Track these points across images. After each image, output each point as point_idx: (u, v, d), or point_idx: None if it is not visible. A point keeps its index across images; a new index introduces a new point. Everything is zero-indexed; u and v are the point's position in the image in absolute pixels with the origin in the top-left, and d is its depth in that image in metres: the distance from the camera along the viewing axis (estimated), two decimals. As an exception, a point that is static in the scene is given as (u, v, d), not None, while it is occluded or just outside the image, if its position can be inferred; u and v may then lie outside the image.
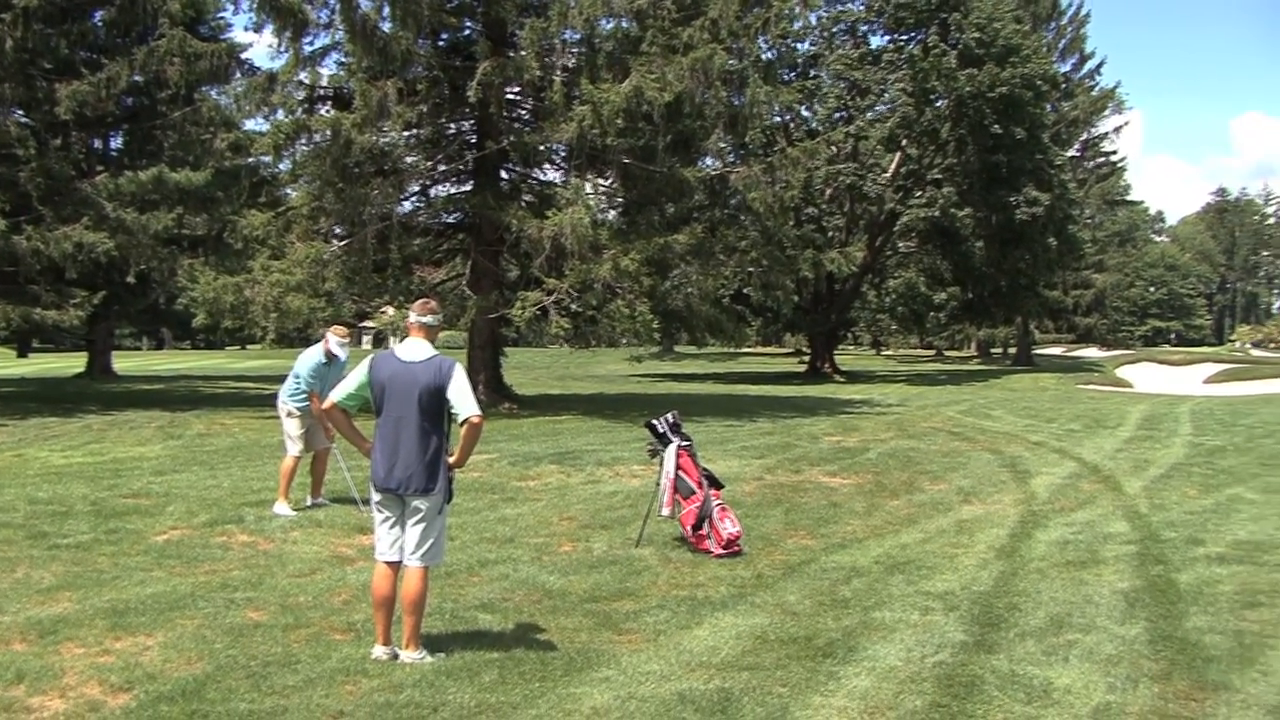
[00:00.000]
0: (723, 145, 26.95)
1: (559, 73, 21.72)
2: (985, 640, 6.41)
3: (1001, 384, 43.14)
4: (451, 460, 6.06)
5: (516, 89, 23.18)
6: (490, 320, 22.25)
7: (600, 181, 24.64)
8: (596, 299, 21.80)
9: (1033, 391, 38.15)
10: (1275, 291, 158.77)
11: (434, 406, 5.95)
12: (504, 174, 24.46)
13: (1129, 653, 6.16)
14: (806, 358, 53.36)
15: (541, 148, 23.13)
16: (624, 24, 23.01)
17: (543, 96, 21.99)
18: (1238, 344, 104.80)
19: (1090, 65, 67.07)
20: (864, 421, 21.39)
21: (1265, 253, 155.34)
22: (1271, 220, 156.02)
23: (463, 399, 5.93)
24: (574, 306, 22.06)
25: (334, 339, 10.47)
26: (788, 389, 37.00)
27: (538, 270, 21.28)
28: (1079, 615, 6.97)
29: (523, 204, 23.22)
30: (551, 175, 25.36)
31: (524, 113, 24.38)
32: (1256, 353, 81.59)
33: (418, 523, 5.98)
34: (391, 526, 6.06)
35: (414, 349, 6.08)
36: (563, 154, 23.44)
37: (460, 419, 5.93)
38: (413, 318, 6.25)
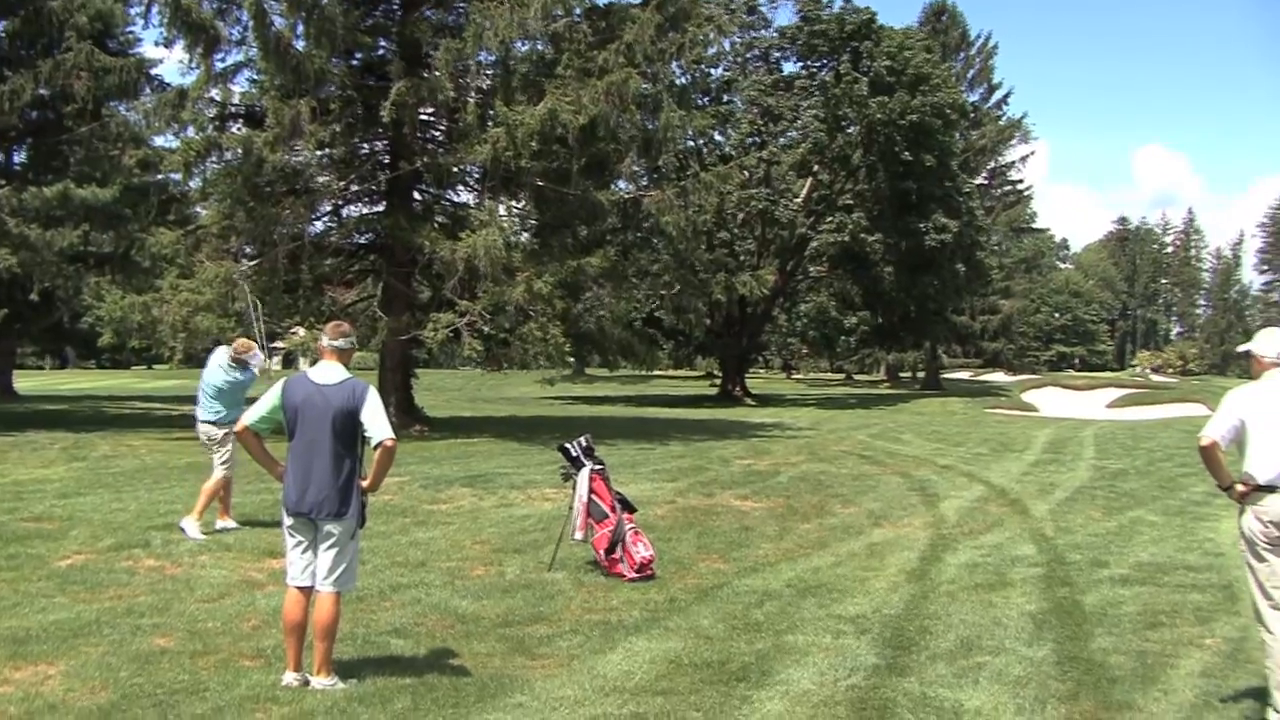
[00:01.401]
0: (636, 169, 27.16)
1: (474, 94, 21.82)
2: (897, 663, 6.53)
3: (911, 408, 43.75)
4: (365, 484, 6.03)
5: (431, 110, 23.14)
6: (402, 342, 22.13)
7: (514, 204, 24.69)
8: (509, 321, 21.81)
9: (941, 415, 38.82)
10: (1173, 318, 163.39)
11: (347, 430, 5.92)
12: (417, 195, 24.37)
13: (1037, 674, 6.31)
14: (718, 381, 53.68)
15: (455, 169, 23.07)
16: (539, 46, 23.11)
17: (457, 118, 22.02)
18: (1138, 369, 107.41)
19: (998, 95, 68.80)
20: (775, 445, 21.65)
21: (1164, 280, 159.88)
22: (1170, 249, 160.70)
23: (376, 422, 5.92)
24: (486, 329, 22.02)
25: (241, 354, 10.51)
26: (699, 412, 37.20)
27: (450, 292, 21.23)
28: (988, 637, 7.12)
29: (436, 225, 23.17)
30: (465, 197, 25.31)
31: (438, 134, 24.33)
32: (1156, 378, 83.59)
33: (330, 547, 5.92)
34: (304, 551, 5.99)
35: (327, 372, 6.04)
36: (476, 176, 23.40)
37: (374, 442, 5.91)
38: (325, 341, 6.22)
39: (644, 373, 55.02)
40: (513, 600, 7.96)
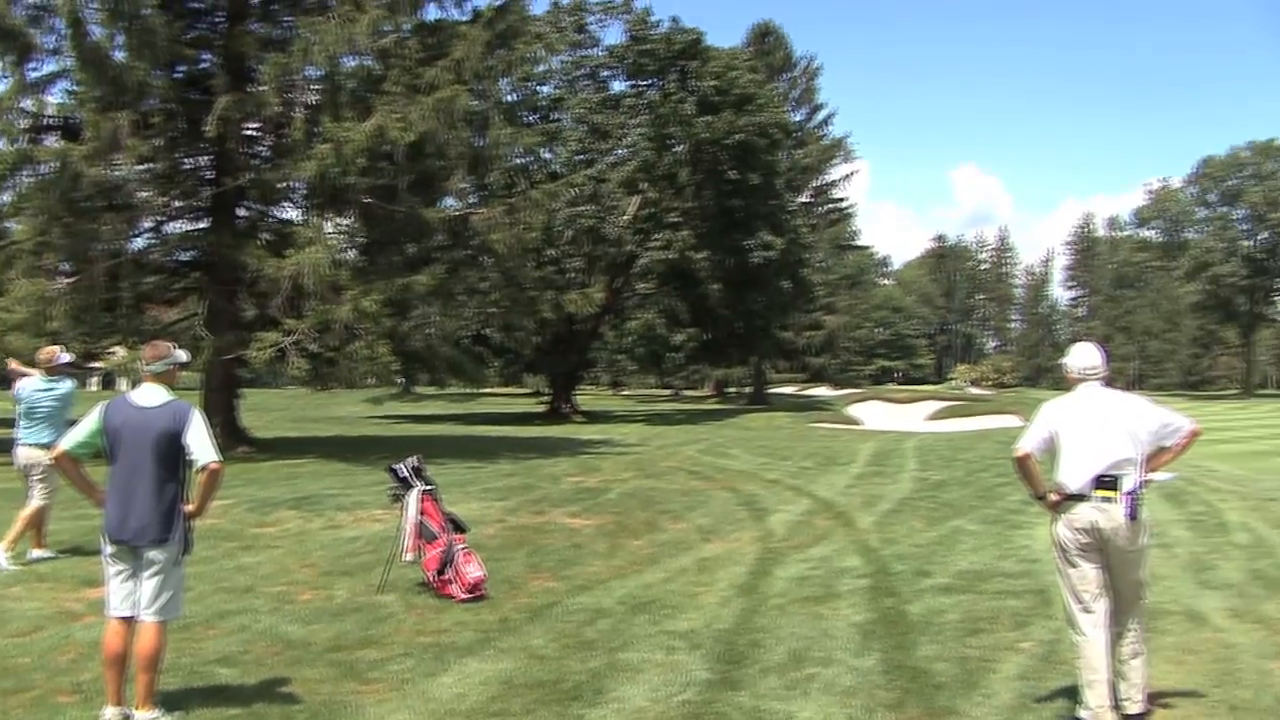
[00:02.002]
0: (464, 186, 27.23)
1: (300, 109, 21.52)
2: (729, 677, 6.67)
3: (738, 423, 44.51)
4: (189, 509, 5.88)
5: (256, 125, 22.83)
6: (226, 361, 21.75)
7: (340, 221, 24.47)
8: (336, 340, 21.57)
9: (768, 430, 39.59)
10: (989, 333, 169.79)
11: (170, 453, 5.78)
12: (242, 211, 23.92)
13: (865, 684, 6.54)
14: (547, 398, 53.81)
15: (281, 185, 22.81)
16: (367, 62, 23.03)
17: (283, 133, 21.81)
18: (956, 382, 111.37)
19: (821, 116, 70.73)
20: (604, 461, 21.75)
21: (980, 296, 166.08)
22: (985, 266, 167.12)
23: (201, 445, 5.79)
24: (313, 347, 21.77)
25: (48, 362, 10.28)
26: (528, 430, 37.30)
27: (276, 311, 20.98)
28: (818, 649, 7.32)
29: (261, 242, 22.80)
30: (291, 214, 24.99)
31: (264, 149, 23.96)
32: (973, 390, 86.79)
33: (154, 575, 5.75)
34: (125, 580, 5.79)
35: (148, 394, 5.92)
36: (303, 192, 23.17)
37: (198, 466, 5.78)
38: (144, 367, 6.08)
39: (472, 391, 54.80)
40: (342, 624, 7.90)
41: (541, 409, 51.59)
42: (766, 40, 65.42)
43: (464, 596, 8.71)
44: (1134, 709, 5.82)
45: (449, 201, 26.63)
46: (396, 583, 9.12)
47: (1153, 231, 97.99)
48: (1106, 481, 5.78)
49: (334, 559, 10.44)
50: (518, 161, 38.41)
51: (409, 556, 9.08)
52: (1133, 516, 5.74)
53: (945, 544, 11.64)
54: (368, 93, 22.11)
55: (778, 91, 58.14)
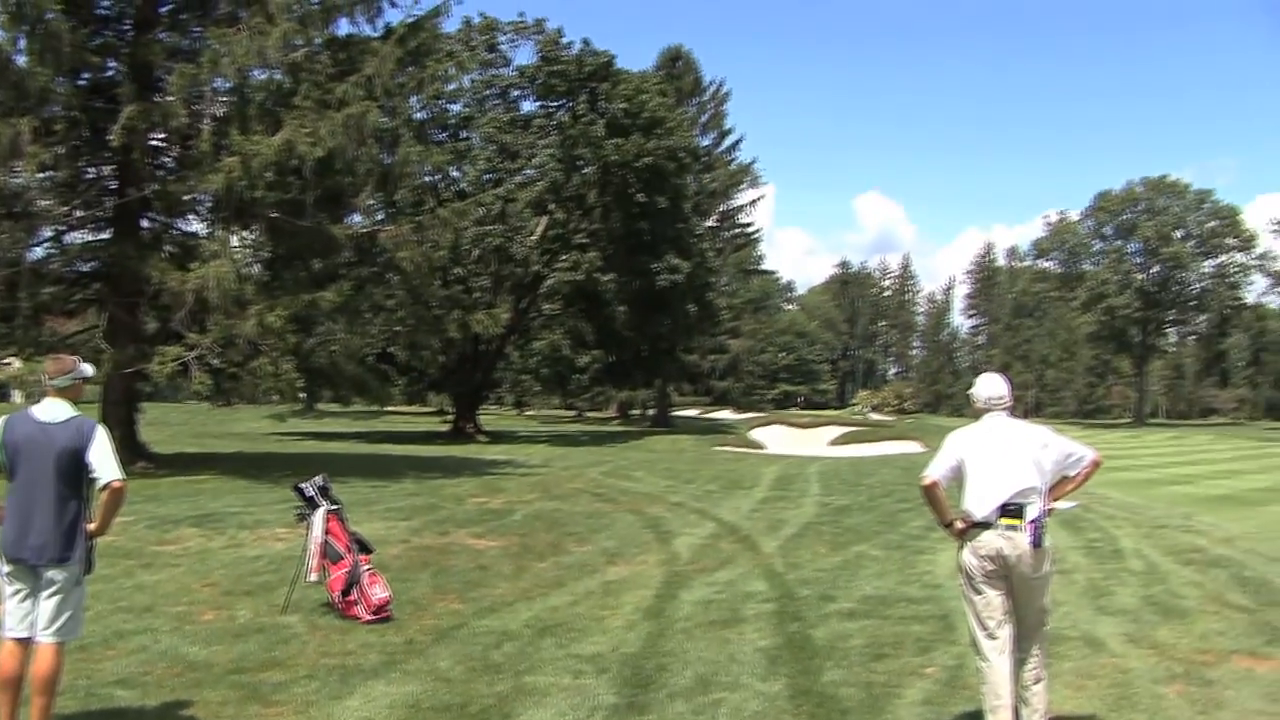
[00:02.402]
0: (372, 203, 27.18)
1: (208, 121, 21.32)
2: (636, 702, 6.71)
3: (642, 445, 44.61)
4: (91, 528, 5.77)
5: (162, 136, 22.50)
6: (126, 375, 21.40)
7: (246, 235, 24.24)
8: (240, 355, 21.38)
9: (672, 453, 39.79)
10: (890, 359, 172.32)
11: (73, 471, 5.66)
12: (145, 223, 23.52)
13: (771, 709, 6.61)
14: (450, 418, 53.55)
15: (186, 198, 22.51)
16: (277, 76, 22.88)
17: (190, 145, 21.55)
18: (858, 407, 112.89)
19: (729, 140, 71.50)
20: (508, 482, 21.77)
21: (882, 323, 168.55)
22: (887, 293, 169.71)
23: (104, 463, 5.68)
24: (216, 363, 21.55)
25: None
26: (432, 449, 37.08)
27: (179, 324, 20.73)
28: (724, 674, 7.34)
29: (165, 255, 22.48)
30: (196, 226, 24.70)
31: (169, 160, 23.64)
32: (875, 416, 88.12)
33: (53, 595, 5.61)
34: (22, 600, 5.62)
35: (52, 409, 5.78)
36: (209, 205, 22.92)
37: (101, 484, 5.68)
38: (47, 381, 5.94)
39: (375, 409, 54.27)
40: (245, 645, 7.80)
41: (445, 428, 51.23)
42: (676, 64, 65.92)
43: (369, 618, 8.67)
44: None
45: (355, 218, 26.50)
46: (300, 603, 9.06)
47: (1051, 262, 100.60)
48: (1011, 510, 5.88)
49: (236, 578, 10.32)
50: (426, 179, 38.54)
51: (313, 577, 9.00)
52: (1037, 544, 5.85)
53: (849, 569, 11.77)
54: (277, 106, 21.97)
55: (687, 116, 58.76)
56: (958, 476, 6.15)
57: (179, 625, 8.37)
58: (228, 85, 22.05)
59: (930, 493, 6.19)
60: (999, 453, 6.04)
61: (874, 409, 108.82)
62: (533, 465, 28.25)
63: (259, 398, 24.06)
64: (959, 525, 6.11)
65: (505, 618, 9.02)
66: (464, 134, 47.42)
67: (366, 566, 9.03)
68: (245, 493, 18.52)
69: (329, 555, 9.07)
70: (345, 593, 8.85)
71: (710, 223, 66.44)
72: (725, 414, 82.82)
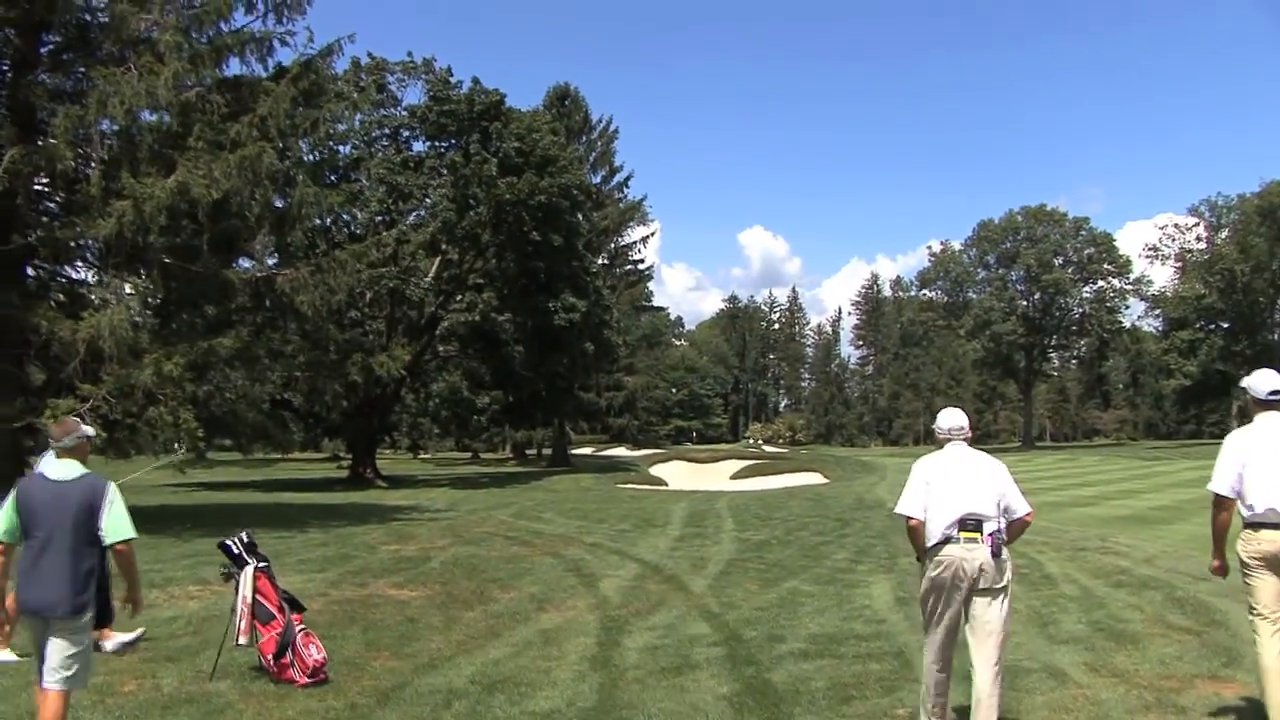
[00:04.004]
0: (265, 246, 26.57)
1: (96, 164, 20.60)
2: None
3: (544, 485, 44.26)
4: (127, 603, 6.35)
5: (47, 179, 21.68)
6: (14, 430, 20.45)
7: (138, 281, 23.44)
8: (136, 405, 20.57)
9: (575, 492, 39.48)
10: (781, 391, 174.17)
11: (86, 526, 5.97)
12: (31, 271, 22.66)
13: None
14: (347, 463, 52.52)
15: (74, 244, 21.73)
16: (167, 117, 22.19)
17: (77, 189, 20.80)
18: (751, 440, 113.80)
19: (619, 178, 71.60)
20: (418, 528, 21.45)
21: (771, 356, 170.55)
22: (776, 326, 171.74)
23: (114, 523, 6.02)
24: (111, 414, 20.70)
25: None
26: (333, 496, 36.30)
27: (71, 375, 19.90)
28: None
29: (53, 304, 21.71)
30: (84, 274, 23.81)
31: (55, 205, 22.82)
32: (768, 448, 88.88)
33: (61, 645, 5.91)
34: (36, 649, 6.02)
35: (63, 469, 6.10)
36: (98, 250, 22.08)
37: (108, 542, 6.00)
38: (54, 443, 6.29)
39: (267, 456, 52.98)
40: (175, 718, 7.40)
41: (342, 474, 50.23)
42: (565, 103, 66.00)
43: (305, 681, 8.26)
44: None
45: (246, 262, 25.85)
46: (229, 668, 8.59)
47: (936, 292, 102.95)
48: (970, 524, 6.40)
49: (154, 643, 9.76)
50: (319, 222, 37.88)
51: (243, 639, 8.55)
52: (996, 554, 6.37)
53: (787, 606, 11.71)
54: (169, 148, 21.31)
55: (577, 154, 58.65)
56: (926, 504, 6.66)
57: (100, 699, 7.80)
58: (116, 127, 21.25)
59: (913, 533, 6.72)
60: (959, 475, 6.61)
61: (766, 441, 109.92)
62: (438, 510, 27.85)
63: (158, 449, 23.19)
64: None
65: (448, 674, 8.67)
66: (354, 175, 46.76)
67: (300, 626, 8.61)
68: (149, 549, 17.70)
69: (259, 616, 8.62)
70: (278, 655, 8.42)
71: (602, 260, 66.41)
72: (621, 451, 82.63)
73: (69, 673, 5.95)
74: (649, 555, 16.69)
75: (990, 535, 6.39)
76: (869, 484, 39.22)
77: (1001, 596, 6.45)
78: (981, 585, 6.39)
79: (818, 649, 9.42)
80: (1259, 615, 6.53)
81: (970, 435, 6.93)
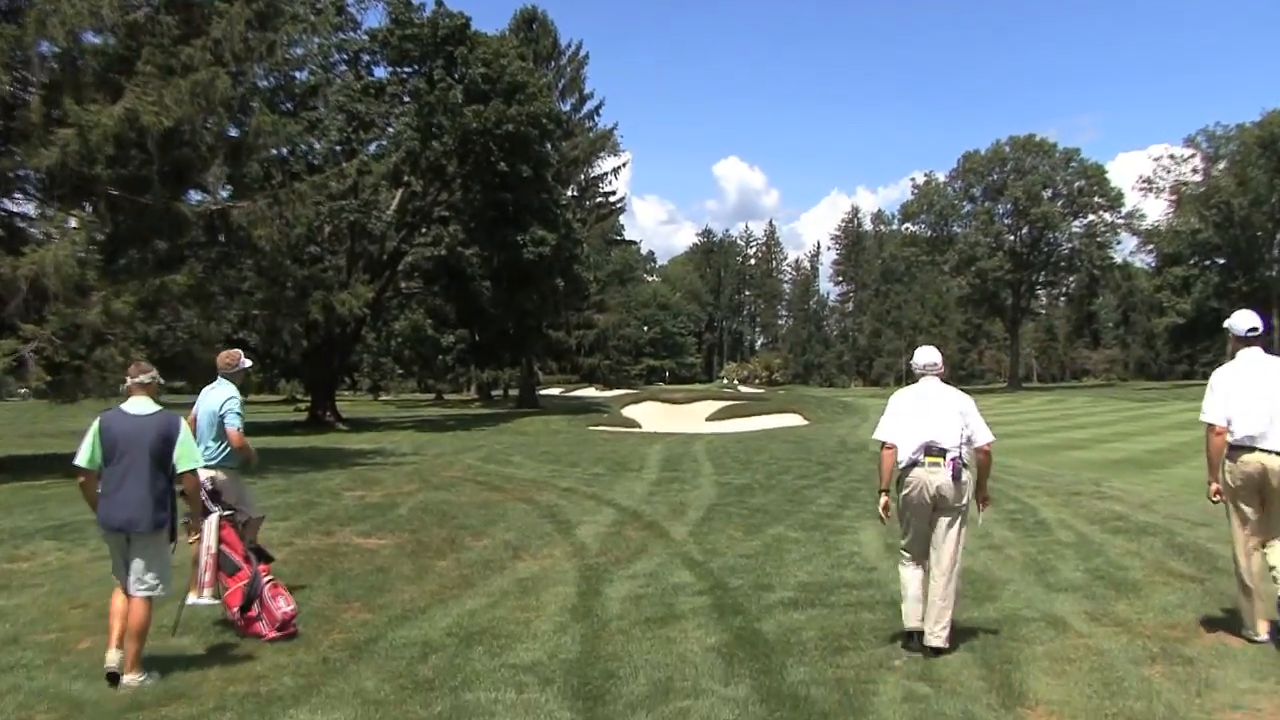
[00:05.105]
0: (220, 177, 26.11)
1: (36, 90, 20.10)
2: (595, 716, 6.30)
3: (512, 428, 44.20)
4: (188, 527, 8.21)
5: (-18, 107, 21.18)
6: (-46, 371, 20.13)
7: (83, 214, 23.00)
8: (84, 346, 20.23)
9: (545, 435, 39.53)
10: (757, 329, 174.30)
11: (161, 455, 7.14)
12: (-34, 205, 22.22)
13: (745, 715, 6.23)
14: (305, 405, 52.30)
15: (14, 175, 21.26)
16: (113, 40, 21.65)
17: (15, 116, 20.29)
18: (726, 381, 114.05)
19: (590, 105, 71.07)
20: (382, 473, 21.24)
21: (747, 293, 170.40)
22: (752, 261, 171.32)
23: (185, 452, 7.28)
24: (57, 356, 20.35)
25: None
26: (291, 440, 36.01)
27: (13, 315, 19.53)
28: (680, 678, 6.96)
29: (-9, 239, 21.27)
30: (25, 207, 23.33)
31: (-9, 134, 22.32)
32: (744, 389, 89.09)
33: (142, 558, 7.09)
34: (120, 562, 7.15)
35: (140, 405, 7.30)
36: (39, 182, 21.62)
37: (180, 470, 7.25)
38: (130, 381, 7.40)
39: (220, 399, 52.73)
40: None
41: (301, 417, 50.05)
42: (533, 27, 65.37)
43: (273, 635, 8.10)
44: (936, 643, 7.37)
45: (198, 196, 25.41)
46: (192, 622, 8.35)
47: (919, 226, 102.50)
48: (935, 450, 7.47)
49: (110, 597, 9.58)
50: (276, 153, 37.35)
51: (207, 593, 8.37)
52: (956, 477, 7.43)
53: (773, 554, 11.62)
54: (115, 73, 20.79)
55: (545, 80, 58.05)
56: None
57: (54, 656, 7.63)
58: (56, 49, 20.68)
59: (885, 458, 7.72)
60: (926, 406, 7.66)
61: (742, 381, 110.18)
62: (403, 454, 27.72)
63: (105, 392, 22.92)
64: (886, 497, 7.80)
65: (423, 626, 8.51)
66: (313, 103, 46.03)
67: (268, 578, 8.42)
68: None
69: (225, 567, 8.44)
70: (245, 608, 8.24)
71: (572, 192, 66.12)
72: (591, 391, 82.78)
73: (154, 581, 7.12)
74: (626, 500, 16.57)
75: (952, 460, 7.44)
76: (850, 425, 39.31)
77: (958, 516, 7.54)
78: (942, 504, 7.48)
79: (808, 598, 9.34)
80: (1240, 529, 7.70)
81: (942, 371, 7.90)
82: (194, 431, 9.16)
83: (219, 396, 9.34)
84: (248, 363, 10.11)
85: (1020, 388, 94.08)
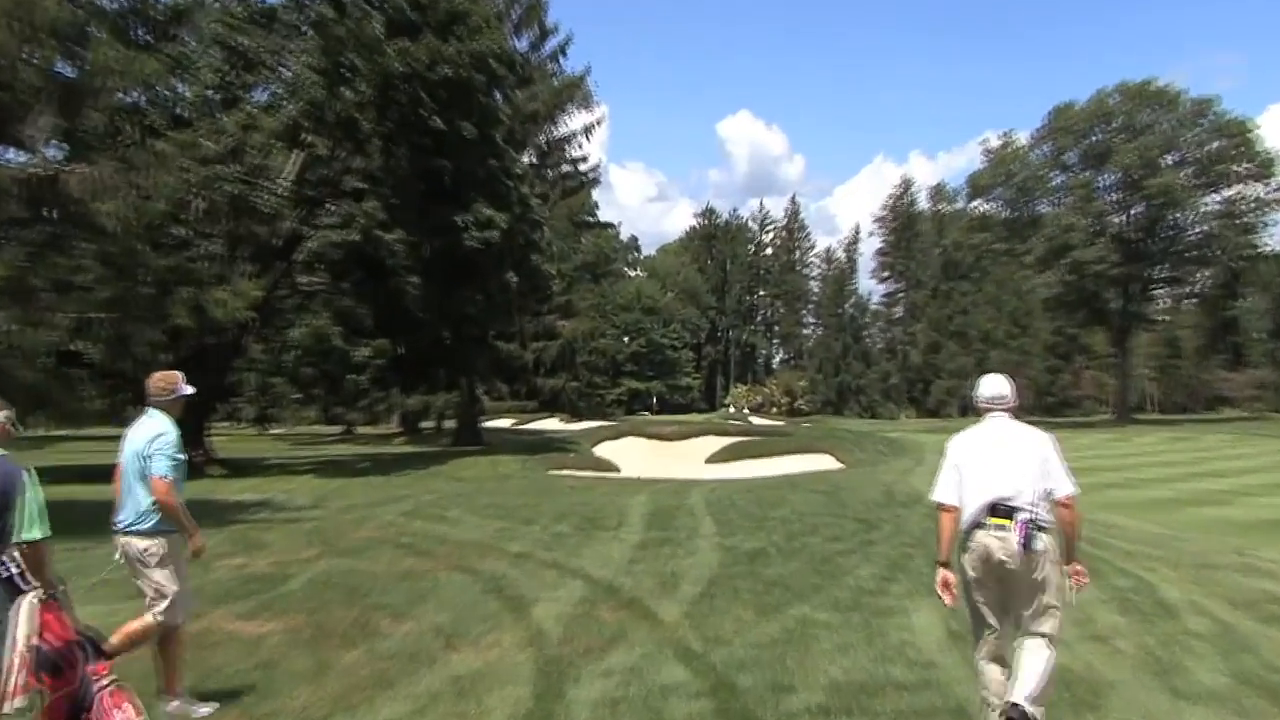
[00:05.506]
0: (49, 131, 25.95)
1: None
2: None
3: (449, 471, 44.08)
4: None
5: None
6: None
7: None
8: None
9: (494, 481, 39.47)
10: (775, 341, 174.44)
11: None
12: None
13: None
14: (165, 441, 51.95)
15: None
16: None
17: None
18: (734, 409, 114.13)
19: (553, 43, 70.71)
20: (272, 534, 21.41)
21: (762, 292, 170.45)
22: (769, 251, 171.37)
23: (28, 513, 7.33)
24: None
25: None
26: (146, 487, 35.91)
27: None
28: None
29: None
30: None
31: None
32: (757, 420, 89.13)
33: None
34: None
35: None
36: None
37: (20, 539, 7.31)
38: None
39: (47, 433, 52.26)
40: None
41: (160, 457, 49.71)
42: (477, -64, 65.34)
43: (113, 761, 7.87)
44: (1026, 705, 7.46)
45: (15, 155, 25.40)
46: (-3, 742, 8.24)
47: (993, 204, 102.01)
48: (1001, 510, 7.66)
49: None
50: (125, 98, 37.08)
51: (18, 701, 7.88)
52: (1026, 546, 7.54)
53: (796, 643, 11.56)
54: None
55: (494, 9, 58.01)
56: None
57: None
58: None
59: (945, 522, 8.04)
60: (993, 453, 7.91)
61: (755, 410, 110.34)
62: (300, 506, 27.93)
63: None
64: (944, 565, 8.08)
65: (321, 744, 8.42)
66: (177, 33, 45.82)
67: (106, 680, 8.08)
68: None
69: (44, 666, 8.06)
70: (72, 724, 8.03)
71: (530, 159, 66.15)
72: (553, 424, 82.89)
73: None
74: (598, 570, 16.62)
75: (1022, 522, 7.57)
76: (900, 470, 39.35)
77: (1038, 593, 7.65)
78: (1014, 579, 7.64)
79: (843, 703, 9.30)
80: None
81: (1013, 406, 8.22)
82: (118, 483, 9.47)
83: (146, 434, 9.37)
84: (188, 389, 9.92)
85: (1132, 420, 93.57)
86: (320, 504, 28.68)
